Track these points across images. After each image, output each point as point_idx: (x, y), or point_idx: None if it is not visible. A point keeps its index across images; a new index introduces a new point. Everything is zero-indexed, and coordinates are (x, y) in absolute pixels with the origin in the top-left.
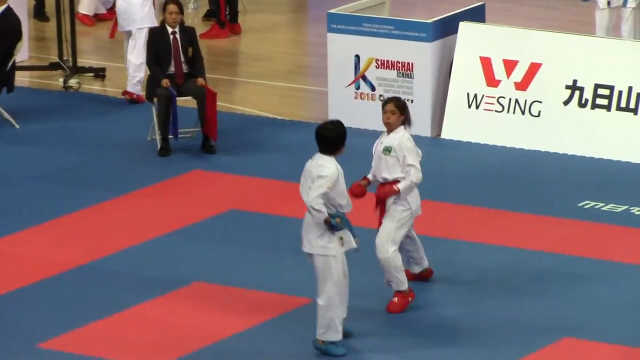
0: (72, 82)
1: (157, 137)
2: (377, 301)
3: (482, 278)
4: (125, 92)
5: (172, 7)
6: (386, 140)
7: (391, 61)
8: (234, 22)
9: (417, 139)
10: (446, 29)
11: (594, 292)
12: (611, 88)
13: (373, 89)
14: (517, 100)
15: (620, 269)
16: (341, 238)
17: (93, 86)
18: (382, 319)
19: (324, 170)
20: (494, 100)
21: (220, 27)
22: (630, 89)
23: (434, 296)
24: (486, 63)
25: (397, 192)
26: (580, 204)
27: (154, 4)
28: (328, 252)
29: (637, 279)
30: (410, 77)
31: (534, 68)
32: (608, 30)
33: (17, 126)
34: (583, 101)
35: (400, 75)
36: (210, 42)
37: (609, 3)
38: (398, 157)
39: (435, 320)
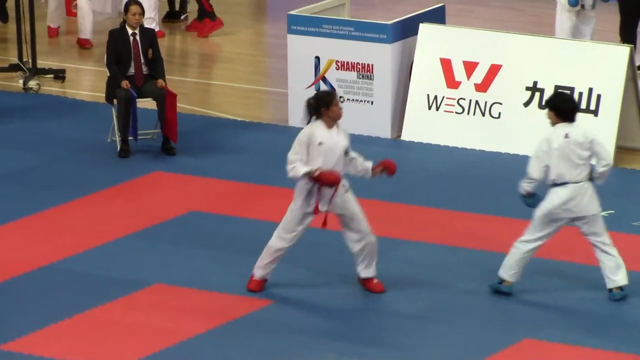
0: (32, 83)
1: (117, 138)
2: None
3: (442, 279)
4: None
5: (135, 8)
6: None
7: (351, 63)
8: (200, 19)
9: (378, 141)
10: (406, 30)
11: (555, 292)
12: (571, 89)
13: (333, 90)
14: (477, 102)
15: (581, 269)
16: None
17: (53, 87)
18: (338, 319)
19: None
20: (454, 102)
21: (212, 19)
22: (590, 90)
23: (391, 297)
24: (446, 64)
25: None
26: None
27: None
28: None
29: (597, 280)
30: (371, 79)
31: (494, 69)
32: (569, 33)
33: None
34: (543, 102)
35: (361, 76)
36: (169, 44)
37: (582, 5)
38: None
39: (393, 322)
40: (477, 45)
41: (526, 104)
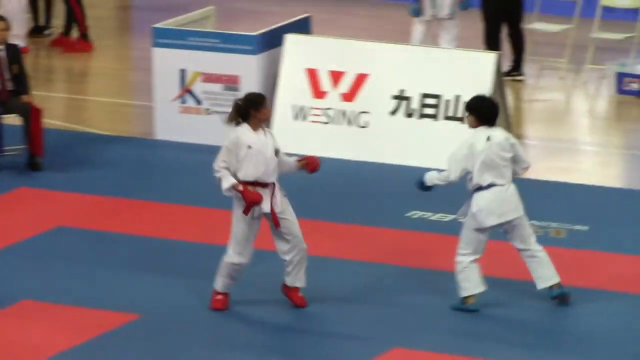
0: None
1: None
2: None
3: (310, 290)
4: None
5: (1, 24)
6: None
7: (217, 74)
8: (67, 34)
9: None
10: (272, 41)
11: (424, 301)
12: (438, 97)
13: (199, 103)
14: (344, 112)
15: (448, 278)
16: None
17: None
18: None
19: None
20: (321, 112)
21: (84, 39)
22: (457, 97)
23: (256, 311)
24: (312, 75)
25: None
26: (408, 214)
27: None
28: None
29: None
30: (237, 90)
31: (360, 79)
32: (420, 42)
33: None
34: (410, 111)
35: (227, 88)
36: (34, 60)
37: (435, 15)
38: None
39: (263, 335)
40: (343, 54)
41: (393, 113)
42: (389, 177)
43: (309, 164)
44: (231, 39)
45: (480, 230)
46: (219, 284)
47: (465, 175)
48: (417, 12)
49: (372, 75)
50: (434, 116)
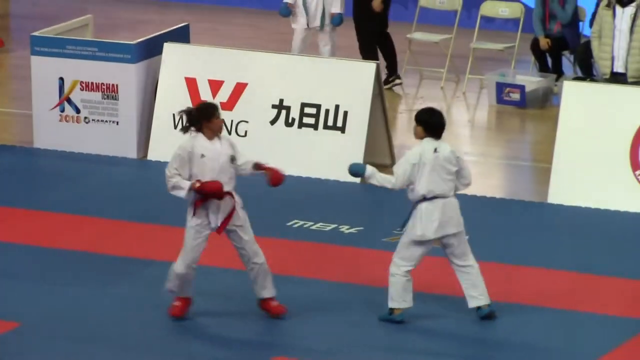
0: None
1: None
2: None
3: (195, 299)
4: None
5: None
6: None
7: (96, 83)
8: None
9: (124, 161)
10: (151, 50)
11: (305, 310)
12: (318, 107)
13: (78, 111)
14: (223, 121)
15: (329, 287)
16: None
17: None
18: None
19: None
20: None
21: None
22: (337, 107)
23: (141, 317)
24: (191, 84)
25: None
26: (289, 223)
27: None
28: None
29: (336, 294)
30: (116, 99)
31: (239, 88)
32: (299, 51)
33: None
34: (290, 120)
35: (106, 97)
36: None
37: (308, 24)
38: None
39: (144, 343)
40: (222, 63)
41: (272, 122)
42: (269, 186)
43: (272, 178)
44: (109, 47)
45: (420, 242)
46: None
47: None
48: (287, 12)
49: (251, 84)
50: (313, 126)
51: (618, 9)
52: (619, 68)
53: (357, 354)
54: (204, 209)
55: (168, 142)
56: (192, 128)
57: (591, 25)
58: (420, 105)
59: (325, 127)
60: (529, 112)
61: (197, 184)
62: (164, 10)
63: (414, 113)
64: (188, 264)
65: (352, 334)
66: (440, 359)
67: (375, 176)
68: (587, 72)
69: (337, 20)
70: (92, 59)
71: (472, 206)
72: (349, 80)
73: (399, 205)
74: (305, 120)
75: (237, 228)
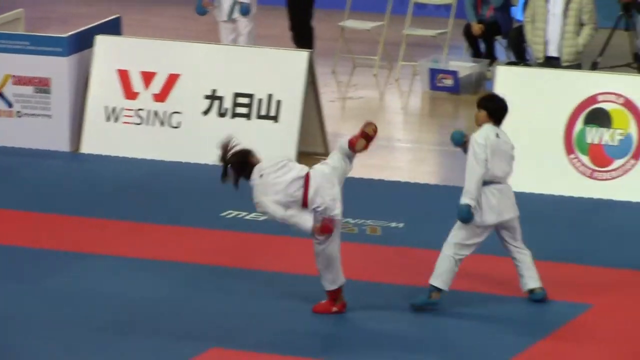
0: None
1: None
2: None
3: (129, 292)
4: None
5: None
6: None
7: (28, 77)
8: None
9: (56, 155)
10: (82, 43)
11: (242, 301)
12: (251, 96)
13: (10, 105)
14: (156, 112)
15: (265, 277)
16: None
17: None
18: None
19: None
20: (133, 113)
21: None
22: (270, 96)
23: (89, 312)
24: (124, 76)
25: None
26: (222, 214)
27: None
28: None
29: (270, 284)
30: (48, 93)
31: (172, 79)
32: (229, 41)
33: None
34: (223, 111)
35: (38, 90)
36: None
37: (225, 16)
38: None
39: (88, 339)
40: (154, 55)
41: (205, 113)
42: (203, 176)
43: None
44: (41, 41)
45: (479, 228)
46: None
47: None
48: (202, 10)
49: (183, 75)
50: (247, 115)
51: None
52: (552, 52)
53: (293, 341)
54: None
55: (101, 135)
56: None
57: (524, 9)
58: (354, 92)
59: (259, 116)
60: (462, 97)
61: (318, 224)
62: (94, 3)
63: (347, 101)
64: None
65: (288, 322)
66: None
67: (473, 191)
68: (520, 56)
69: (244, 10)
70: (24, 52)
71: (406, 193)
72: (282, 69)
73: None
74: (239, 110)
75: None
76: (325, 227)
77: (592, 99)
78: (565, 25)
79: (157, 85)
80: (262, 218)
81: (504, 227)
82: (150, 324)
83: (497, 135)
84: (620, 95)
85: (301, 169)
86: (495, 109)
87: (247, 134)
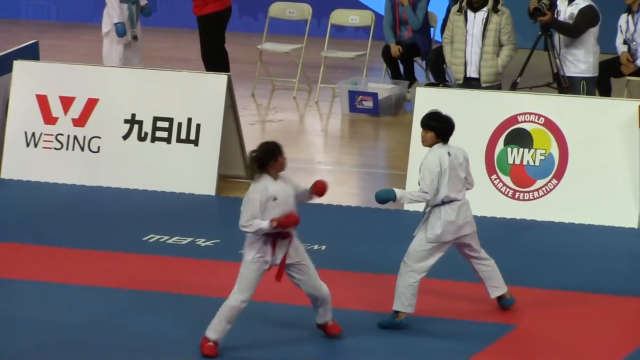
0: None
1: None
2: None
3: (45, 317)
4: None
5: None
6: None
7: None
8: None
9: None
10: (0, 68)
11: (163, 323)
12: (170, 120)
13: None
14: (75, 137)
15: (187, 301)
16: None
17: None
18: None
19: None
20: (53, 138)
21: None
22: (189, 120)
23: (6, 338)
24: (42, 101)
25: None
26: (144, 238)
27: None
28: None
29: (195, 308)
30: None
31: (91, 103)
32: (118, 63)
33: None
34: (143, 135)
35: None
36: None
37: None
38: None
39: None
40: (73, 79)
41: (125, 137)
42: (123, 201)
43: (316, 190)
44: None
45: (436, 244)
46: (217, 330)
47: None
48: (124, 32)
49: (103, 99)
50: (166, 139)
51: (470, 13)
52: (472, 73)
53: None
54: (265, 246)
55: (21, 160)
56: (260, 172)
57: (442, 30)
58: (273, 115)
59: (179, 140)
60: (382, 119)
61: (275, 223)
62: (11, 27)
63: (267, 124)
64: (244, 300)
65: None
66: None
67: (406, 196)
68: (439, 78)
69: (119, 31)
70: None
71: (327, 215)
72: (201, 93)
73: None
74: (158, 134)
75: (298, 259)
76: (288, 218)
77: (513, 119)
78: (484, 46)
79: (76, 110)
80: (183, 242)
81: (463, 243)
82: (70, 350)
83: (449, 154)
84: (540, 116)
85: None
86: (442, 129)
87: (167, 158)
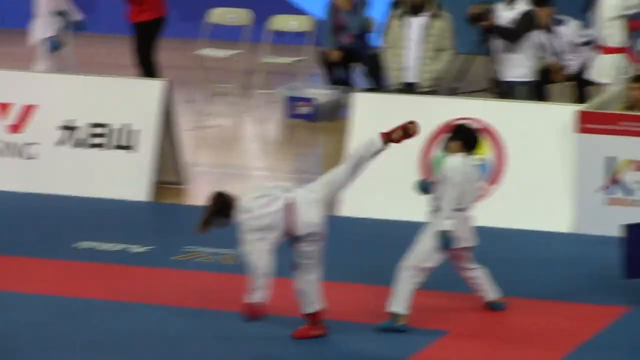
0: None
1: None
2: None
3: None
4: None
5: None
6: None
7: None
8: None
9: None
10: None
11: (95, 331)
12: (107, 126)
13: None
14: (12, 143)
15: (121, 307)
16: None
17: None
18: None
19: None
20: None
21: None
22: (125, 126)
23: None
24: None
25: None
26: (75, 245)
27: None
28: None
29: (128, 315)
30: None
31: (27, 110)
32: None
33: None
34: (78, 141)
35: None
36: None
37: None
38: None
39: None
40: (11, 85)
41: (60, 143)
42: (57, 207)
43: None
44: None
45: (438, 250)
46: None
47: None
48: (56, 48)
49: (40, 106)
50: (102, 145)
51: (410, 19)
52: (410, 78)
53: None
54: None
55: None
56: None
57: (382, 35)
58: (210, 121)
59: (114, 146)
60: (320, 125)
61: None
62: None
63: (205, 129)
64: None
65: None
66: None
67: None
68: (378, 83)
69: (52, 46)
70: None
71: None
72: (137, 99)
73: (188, 224)
74: (94, 140)
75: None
76: (252, 311)
77: (450, 125)
78: (424, 51)
79: (12, 116)
80: (117, 248)
81: (457, 255)
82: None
83: (468, 165)
84: (478, 121)
85: (286, 198)
86: (469, 139)
87: (103, 164)
